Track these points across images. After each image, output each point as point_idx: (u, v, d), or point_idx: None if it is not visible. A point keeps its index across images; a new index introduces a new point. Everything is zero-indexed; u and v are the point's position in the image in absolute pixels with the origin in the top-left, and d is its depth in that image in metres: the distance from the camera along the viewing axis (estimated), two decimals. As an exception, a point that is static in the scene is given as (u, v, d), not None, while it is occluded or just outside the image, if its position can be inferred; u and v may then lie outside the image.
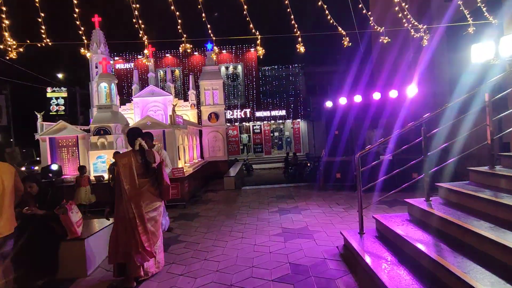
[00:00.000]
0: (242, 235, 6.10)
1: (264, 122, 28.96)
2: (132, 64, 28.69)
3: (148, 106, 14.53)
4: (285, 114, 28.67)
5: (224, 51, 28.40)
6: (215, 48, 6.68)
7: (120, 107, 15.09)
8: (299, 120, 29.24)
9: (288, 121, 29.52)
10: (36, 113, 10.17)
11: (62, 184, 9.24)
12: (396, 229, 4.12)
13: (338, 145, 10.19)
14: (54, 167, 9.26)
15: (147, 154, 4.36)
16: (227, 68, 28.93)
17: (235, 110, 28.37)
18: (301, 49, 6.17)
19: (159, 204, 4.46)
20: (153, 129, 9.94)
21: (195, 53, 28.39)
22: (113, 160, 9.29)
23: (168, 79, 15.22)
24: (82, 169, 8.94)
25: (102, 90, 10.03)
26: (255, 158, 28.12)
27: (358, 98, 9.68)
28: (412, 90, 8.99)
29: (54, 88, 23.43)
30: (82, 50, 5.74)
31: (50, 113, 23.51)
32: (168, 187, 4.44)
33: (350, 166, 9.82)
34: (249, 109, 28.40)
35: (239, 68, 28.89)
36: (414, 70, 11.63)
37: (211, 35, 5.89)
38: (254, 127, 29.26)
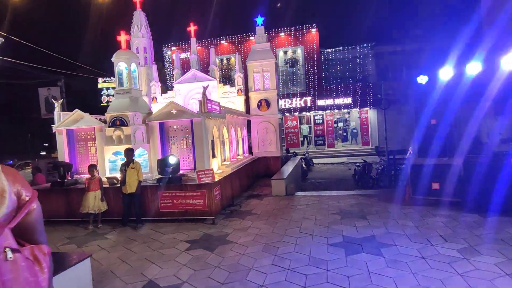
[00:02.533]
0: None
1: (327, 111, 25.58)
2: (188, 54, 27.56)
3: (191, 94, 12.65)
4: (351, 102, 24.90)
5: (282, 34, 25.63)
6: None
7: (161, 95, 13.56)
8: (367, 108, 25.23)
9: (355, 110, 25.69)
10: (53, 101, 8.78)
11: (71, 186, 7.64)
12: None
13: (434, 140, 6.91)
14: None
15: None
16: (285, 52, 26.13)
17: (294, 99, 25.51)
18: None
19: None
20: (179, 119, 7.84)
21: (251, 38, 26.12)
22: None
23: (211, 61, 13.12)
24: (91, 168, 7.19)
25: (122, 71, 8.19)
26: (316, 151, 25.07)
27: (473, 68, 6.25)
28: None
29: (105, 79, 23.30)
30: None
31: (101, 104, 23.50)
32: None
33: (453, 172, 6.54)
34: (310, 97, 25.29)
35: (299, 51, 25.85)
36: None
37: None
38: (316, 117, 26.07)
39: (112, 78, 22.44)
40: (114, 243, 5.95)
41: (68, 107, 22.72)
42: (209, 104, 7.89)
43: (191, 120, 7.73)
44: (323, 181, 16.24)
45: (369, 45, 25.16)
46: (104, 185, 7.26)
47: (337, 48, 25.95)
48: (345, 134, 27.33)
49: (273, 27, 25.83)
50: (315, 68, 25.34)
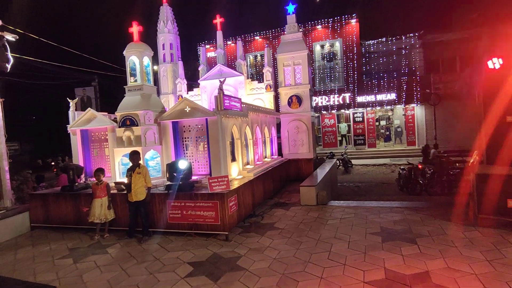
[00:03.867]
0: None
1: (368, 108, 23.65)
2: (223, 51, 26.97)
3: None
4: (394, 98, 22.77)
5: (319, 27, 24.11)
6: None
7: (187, 92, 12.88)
8: (414, 105, 22.91)
9: (399, 107, 23.47)
10: (68, 99, 8.34)
11: (81, 191, 7.07)
12: None
13: (510, 143, 5.34)
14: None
15: None
16: (322, 46, 24.56)
17: (331, 95, 23.92)
18: None
19: None
20: (194, 117, 6.96)
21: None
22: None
23: (238, 54, 12.17)
24: (98, 173, 6.55)
25: (135, 65, 7.48)
26: (355, 152, 23.30)
27: None
28: None
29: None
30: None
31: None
32: None
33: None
34: (349, 94, 23.55)
35: (337, 45, 24.16)
36: None
37: None
38: (355, 115, 24.24)
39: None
40: (111, 261, 5.19)
41: (102, 107, 23.29)
42: (227, 101, 6.91)
43: (206, 119, 6.80)
44: (362, 184, 14.69)
45: (416, 34, 22.79)
46: (111, 191, 6.60)
47: (380, 39, 23.87)
48: (388, 133, 25.16)
49: (309, 20, 24.42)
50: (355, 62, 23.53)
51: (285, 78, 11.84)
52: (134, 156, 6.07)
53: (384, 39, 23.75)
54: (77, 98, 8.36)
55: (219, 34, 12.23)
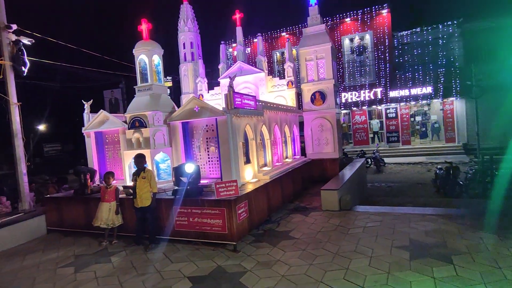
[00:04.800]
0: None
1: (401, 103, 22.19)
2: (249, 49, 26.61)
3: (238, 89, 11.41)
4: (431, 92, 21.16)
5: (347, 19, 22.99)
6: None
7: (208, 91, 12.57)
8: (453, 98, 21.16)
9: (436, 101, 21.81)
10: (83, 101, 8.27)
11: (92, 195, 6.92)
12: None
13: None
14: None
15: None
16: (351, 40, 23.39)
17: (362, 91, 22.73)
18: None
19: None
20: (203, 117, 6.55)
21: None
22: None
23: (259, 50, 11.66)
24: (108, 176, 6.34)
25: (147, 64, 7.19)
26: (388, 150, 21.99)
27: None
28: None
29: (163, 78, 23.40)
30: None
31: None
32: None
33: None
34: (381, 89, 22.23)
35: (367, 38, 22.88)
36: None
37: None
38: (388, 111, 22.85)
39: (167, 77, 22.53)
40: (112, 271, 4.91)
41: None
42: (238, 99, 6.43)
43: (216, 119, 6.36)
44: (395, 185, 13.66)
45: (455, 22, 21.01)
46: (120, 195, 6.37)
47: (414, 29, 22.30)
48: (424, 129, 23.55)
49: (337, 13, 23.33)
50: (387, 54, 22.17)
51: (307, 74, 11.16)
52: (139, 160, 5.77)
53: (418, 29, 22.16)
54: (91, 100, 8.26)
55: (239, 30, 11.79)
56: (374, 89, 22.36)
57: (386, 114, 22.86)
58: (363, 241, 5.21)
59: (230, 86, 6.40)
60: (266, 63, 11.89)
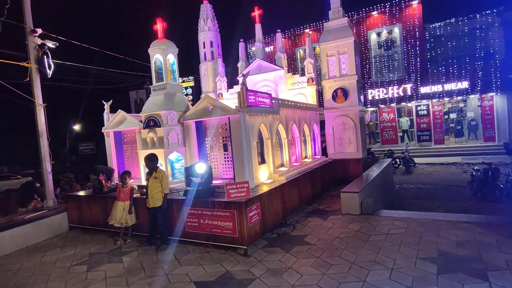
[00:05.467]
0: None
1: (433, 100, 20.95)
2: (272, 47, 26.30)
3: (258, 86, 11.22)
4: (467, 86, 19.80)
5: (374, 13, 22.07)
6: None
7: (227, 90, 12.46)
8: (492, 94, 19.68)
9: (473, 97, 20.38)
10: (103, 102, 8.40)
11: (109, 194, 6.97)
12: None
13: None
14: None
15: None
16: (378, 34, 22.42)
17: (390, 87, 21.75)
18: None
19: None
20: (216, 116, 6.39)
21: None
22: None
23: (278, 47, 11.37)
24: (124, 175, 6.36)
25: (162, 64, 7.15)
26: (418, 149, 20.89)
27: None
28: None
29: (184, 78, 23.62)
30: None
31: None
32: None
33: None
34: (411, 84, 21.14)
35: (396, 31, 21.84)
36: None
37: None
38: (418, 108, 21.69)
39: (190, 77, 22.68)
40: (121, 272, 4.87)
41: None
42: (251, 97, 6.20)
43: (228, 118, 6.18)
44: (426, 187, 12.86)
45: (494, 11, 19.49)
46: (134, 195, 6.36)
47: (447, 20, 20.95)
48: (459, 127, 22.09)
49: (363, 7, 22.45)
50: (417, 48, 21.03)
51: (328, 70, 10.72)
52: (147, 161, 5.70)
53: (453, 20, 20.80)
54: (111, 100, 8.38)
55: (258, 27, 11.57)
56: (403, 85, 21.31)
57: (417, 111, 21.71)
58: (384, 250, 4.81)
59: (243, 84, 6.18)
60: (287, 60, 11.58)
